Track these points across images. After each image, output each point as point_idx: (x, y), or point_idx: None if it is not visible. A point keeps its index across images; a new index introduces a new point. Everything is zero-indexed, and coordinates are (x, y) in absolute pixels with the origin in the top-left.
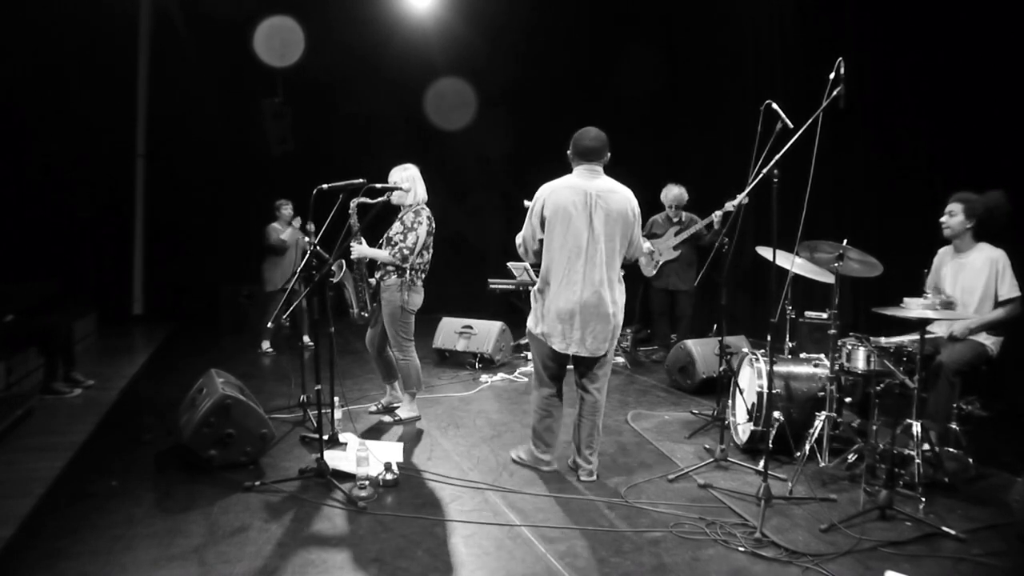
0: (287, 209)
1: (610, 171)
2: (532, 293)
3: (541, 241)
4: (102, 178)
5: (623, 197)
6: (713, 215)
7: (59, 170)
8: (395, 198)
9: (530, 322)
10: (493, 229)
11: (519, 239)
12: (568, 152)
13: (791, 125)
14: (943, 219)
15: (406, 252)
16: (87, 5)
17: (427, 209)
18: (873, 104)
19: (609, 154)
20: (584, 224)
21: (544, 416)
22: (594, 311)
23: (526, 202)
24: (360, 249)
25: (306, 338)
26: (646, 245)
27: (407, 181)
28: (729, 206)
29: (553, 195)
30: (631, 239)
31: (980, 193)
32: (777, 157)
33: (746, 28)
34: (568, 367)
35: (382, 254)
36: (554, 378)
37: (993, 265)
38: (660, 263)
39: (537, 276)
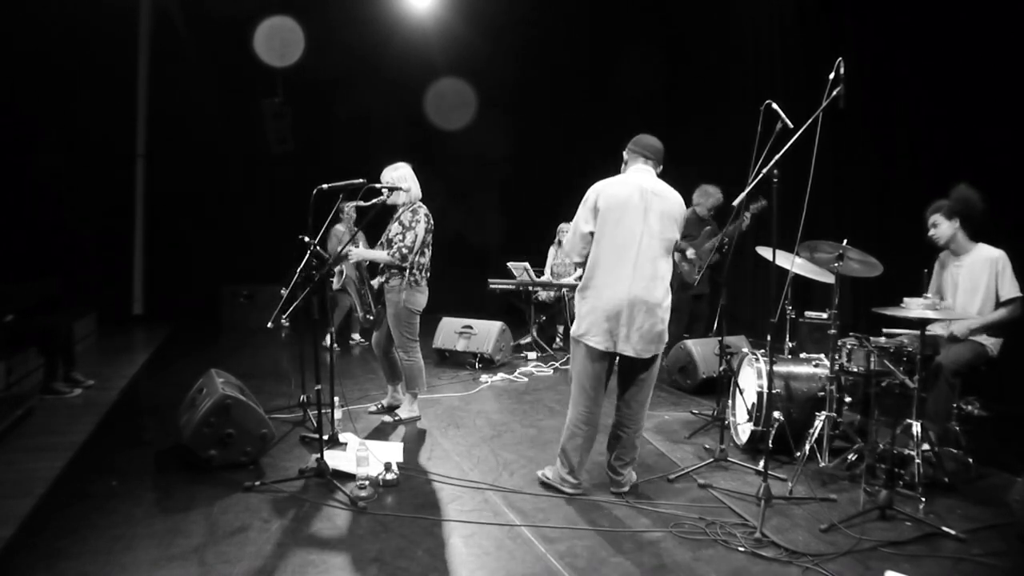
0: (353, 211)
1: (609, 169)
2: (576, 296)
3: (588, 236)
4: (102, 178)
5: (675, 200)
6: (744, 216)
7: (59, 170)
8: (391, 198)
9: (572, 327)
10: (493, 229)
11: (563, 241)
12: (627, 150)
13: (791, 125)
14: (930, 233)
15: (405, 251)
16: (87, 5)
17: (424, 207)
18: (873, 104)
19: (662, 166)
20: (639, 218)
21: (574, 434)
22: (643, 306)
23: (563, 225)
24: (358, 252)
25: (356, 336)
26: (690, 251)
27: (400, 180)
28: (754, 208)
29: (608, 188)
30: (673, 244)
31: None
32: (777, 157)
33: (746, 28)
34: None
35: (381, 255)
36: (594, 389)
37: (993, 266)
38: (703, 268)
39: (538, 276)
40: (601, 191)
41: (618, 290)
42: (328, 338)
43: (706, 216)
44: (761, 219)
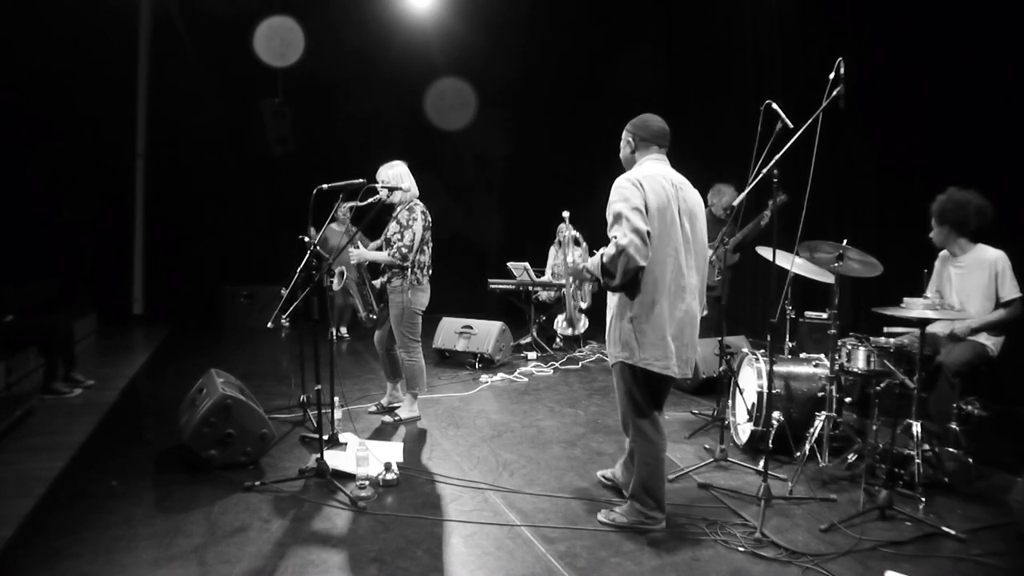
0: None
1: (610, 168)
2: (615, 315)
3: (648, 235)
4: (102, 178)
5: (695, 191)
6: (763, 213)
7: (59, 170)
8: (389, 197)
9: (621, 353)
10: (493, 229)
11: (621, 244)
12: (633, 136)
13: (791, 125)
14: (930, 234)
15: (404, 251)
16: (87, 5)
17: (420, 204)
18: (873, 103)
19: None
20: (677, 222)
21: (655, 469)
22: (692, 322)
23: (563, 226)
24: (359, 253)
25: (343, 330)
26: (708, 251)
27: (397, 179)
28: (772, 205)
29: (649, 183)
30: (701, 241)
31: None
32: (777, 157)
33: (746, 28)
34: None
35: (381, 256)
36: (658, 413)
37: (992, 267)
38: (723, 269)
39: (538, 276)
40: (644, 186)
41: (679, 307)
42: (331, 332)
43: (722, 216)
44: (735, 217)
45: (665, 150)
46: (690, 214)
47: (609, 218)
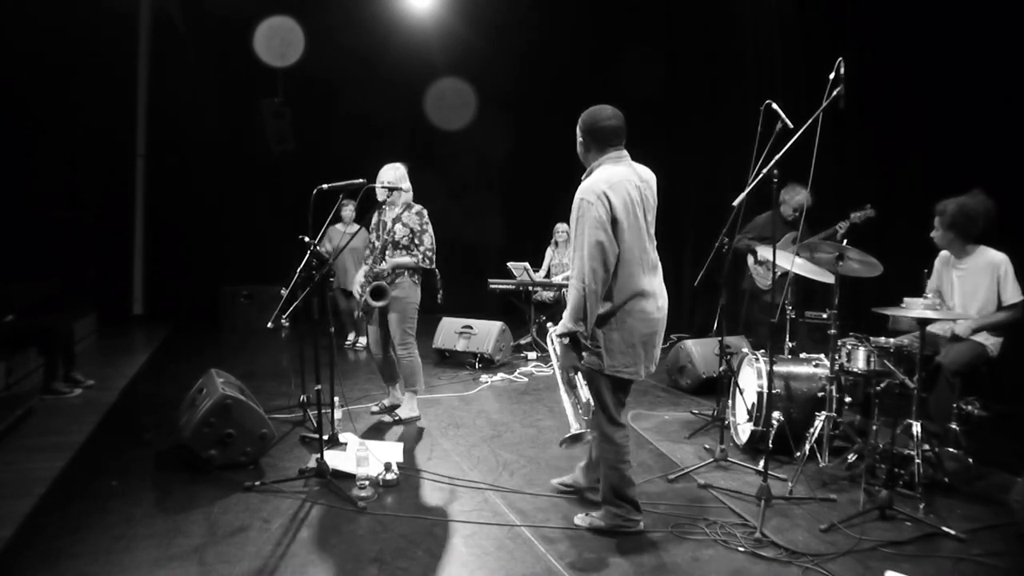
0: (348, 210)
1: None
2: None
3: (613, 248)
4: (102, 178)
5: (655, 182)
6: (838, 225)
7: (59, 170)
8: (387, 196)
9: (590, 360)
10: (493, 229)
11: (588, 268)
12: (583, 138)
13: (791, 125)
14: (931, 234)
15: (430, 254)
16: (87, 5)
17: (418, 205)
18: (873, 103)
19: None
20: (642, 222)
21: (623, 473)
22: (662, 324)
23: (560, 226)
24: (392, 262)
25: (362, 339)
26: (761, 252)
27: (401, 180)
28: (855, 217)
29: (615, 190)
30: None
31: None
32: (777, 157)
33: (746, 28)
34: None
35: (406, 260)
36: (622, 417)
37: (995, 271)
38: (779, 274)
39: (534, 275)
40: (610, 195)
41: (649, 312)
42: (352, 336)
43: (791, 216)
44: (859, 229)
45: (621, 145)
46: (653, 214)
47: (572, 231)
